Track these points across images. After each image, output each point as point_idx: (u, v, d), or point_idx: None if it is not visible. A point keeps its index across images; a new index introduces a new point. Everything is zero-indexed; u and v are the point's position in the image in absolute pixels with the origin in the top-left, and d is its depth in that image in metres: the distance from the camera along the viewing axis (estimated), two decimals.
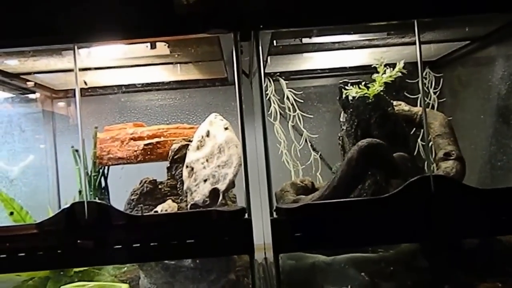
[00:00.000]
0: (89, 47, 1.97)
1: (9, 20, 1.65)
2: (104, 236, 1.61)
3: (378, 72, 2.16)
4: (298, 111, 2.69)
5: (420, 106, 2.50)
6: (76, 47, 1.70)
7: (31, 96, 2.72)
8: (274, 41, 2.14)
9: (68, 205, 1.63)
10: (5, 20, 1.64)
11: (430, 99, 2.64)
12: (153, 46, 2.05)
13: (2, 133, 2.45)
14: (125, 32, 1.67)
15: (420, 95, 2.57)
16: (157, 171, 2.39)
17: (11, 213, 2.17)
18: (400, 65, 2.10)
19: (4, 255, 1.59)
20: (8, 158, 2.49)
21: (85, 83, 2.25)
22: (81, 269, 2.21)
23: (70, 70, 2.32)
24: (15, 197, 2.26)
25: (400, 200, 1.57)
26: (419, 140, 2.57)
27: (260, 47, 1.68)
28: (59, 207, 2.73)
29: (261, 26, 1.65)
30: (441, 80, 2.64)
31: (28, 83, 2.53)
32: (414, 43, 2.16)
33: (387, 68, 2.13)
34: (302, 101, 2.68)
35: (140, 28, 1.66)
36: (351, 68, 2.65)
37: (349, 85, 2.15)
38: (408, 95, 2.55)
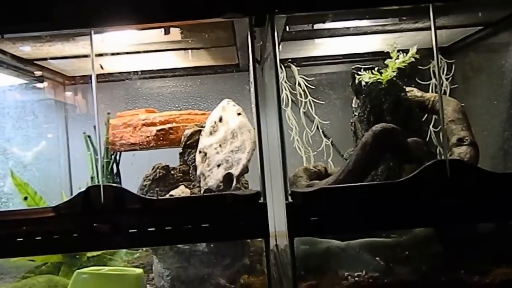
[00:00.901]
0: (103, 33, 1.96)
1: (26, 5, 1.65)
2: (119, 220, 1.62)
3: (391, 58, 2.15)
4: (309, 97, 2.68)
5: (432, 92, 2.51)
6: (92, 32, 1.70)
7: (44, 82, 2.72)
8: (287, 27, 2.13)
9: (84, 189, 1.64)
10: (23, 5, 1.64)
11: (442, 85, 2.62)
12: (167, 32, 2.05)
13: (16, 119, 2.46)
14: (141, 16, 1.66)
15: (432, 81, 2.58)
16: (168, 157, 2.40)
17: (25, 198, 2.19)
18: (413, 50, 2.09)
19: (21, 239, 1.60)
20: (22, 144, 2.50)
21: (101, 67, 2.25)
22: (94, 255, 2.23)
23: (84, 56, 2.33)
24: (28, 182, 2.28)
25: (415, 184, 1.57)
26: (431, 126, 2.56)
27: (276, 32, 1.67)
28: (71, 193, 2.75)
29: (277, 11, 1.63)
30: (453, 66, 2.62)
31: (41, 69, 2.54)
32: (427, 29, 2.19)
33: (400, 54, 2.13)
34: (313, 87, 2.67)
35: (156, 12, 1.65)
36: (363, 54, 2.63)
37: (362, 70, 2.14)
38: (420, 81, 2.54)
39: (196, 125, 2.32)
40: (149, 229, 1.61)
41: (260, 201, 1.64)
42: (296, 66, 2.70)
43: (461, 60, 2.62)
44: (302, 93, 2.69)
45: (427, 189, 1.58)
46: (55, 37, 2.00)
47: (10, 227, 1.60)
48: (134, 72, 2.69)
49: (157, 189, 2.16)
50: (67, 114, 2.90)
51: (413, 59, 2.10)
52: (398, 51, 2.13)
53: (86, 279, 1.81)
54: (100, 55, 2.29)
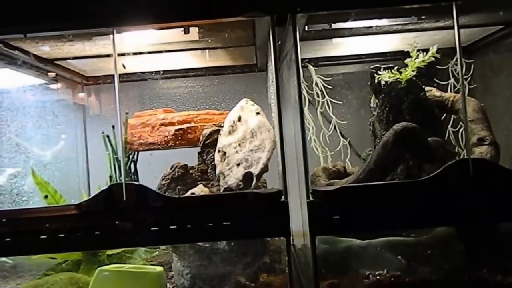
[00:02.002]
0: (123, 32, 1.97)
1: (49, 4, 1.66)
2: (141, 218, 1.63)
3: (410, 57, 2.14)
4: (327, 97, 2.68)
5: (451, 92, 2.49)
6: (114, 31, 1.71)
7: (63, 82, 2.75)
8: (306, 27, 2.13)
9: (106, 187, 1.65)
10: (46, 4, 1.66)
11: (464, 85, 2.60)
12: (186, 31, 2.06)
13: (36, 118, 2.48)
14: (163, 15, 1.68)
15: (450, 81, 2.56)
16: (185, 157, 2.41)
17: (46, 196, 2.21)
18: (433, 49, 2.08)
19: (45, 236, 1.62)
20: (41, 143, 2.53)
21: (124, 66, 2.26)
22: (113, 253, 2.25)
23: (104, 56, 2.35)
24: (48, 181, 2.30)
25: (438, 183, 1.56)
26: (449, 126, 2.54)
27: (297, 31, 1.67)
28: (89, 191, 2.77)
29: (299, 9, 1.63)
30: (472, 66, 2.61)
31: (61, 69, 2.56)
32: (447, 28, 2.18)
33: (420, 53, 2.12)
34: (331, 87, 2.67)
35: (178, 11, 1.66)
36: (381, 54, 2.63)
37: (381, 70, 2.13)
38: (438, 81, 2.53)
39: (214, 124, 2.33)
40: (171, 227, 1.62)
41: (281, 199, 1.64)
42: (313, 66, 2.70)
43: (481, 60, 2.60)
44: (319, 93, 2.69)
45: (449, 187, 1.57)
46: (76, 37, 2.02)
47: (34, 225, 1.62)
48: (152, 72, 2.71)
49: (178, 187, 2.17)
50: (86, 114, 2.92)
51: (433, 59, 2.08)
52: (418, 50, 2.12)
53: (108, 276, 1.82)
54: (121, 54, 2.30)
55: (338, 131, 2.72)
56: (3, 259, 2.25)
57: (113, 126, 2.53)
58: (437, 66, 2.57)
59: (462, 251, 1.77)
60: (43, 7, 1.66)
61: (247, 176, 1.95)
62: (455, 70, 2.64)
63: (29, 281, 2.06)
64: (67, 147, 2.75)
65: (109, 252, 2.24)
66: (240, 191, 1.92)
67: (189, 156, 2.38)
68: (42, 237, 1.61)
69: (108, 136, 2.52)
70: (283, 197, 1.64)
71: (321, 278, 1.71)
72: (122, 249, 2.25)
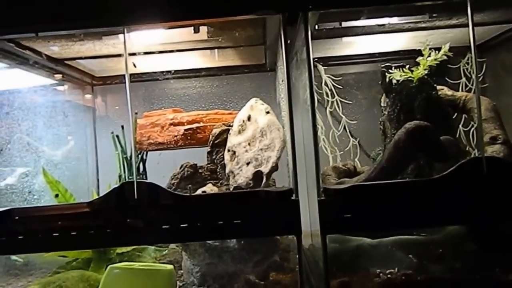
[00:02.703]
0: (135, 31, 1.98)
1: (60, 3, 1.67)
2: (152, 216, 1.63)
3: (422, 56, 2.13)
4: (336, 97, 2.67)
5: (462, 91, 2.48)
6: (125, 30, 1.72)
7: (73, 82, 2.76)
8: (316, 25, 2.13)
9: (117, 185, 1.65)
10: (57, 4, 1.67)
11: (472, 84, 2.59)
12: (196, 30, 2.06)
13: (47, 118, 2.49)
14: (173, 13, 1.68)
15: (462, 80, 2.55)
16: (194, 157, 2.41)
17: (57, 195, 2.22)
18: (445, 47, 2.06)
19: (57, 234, 1.62)
20: (52, 143, 2.54)
21: (134, 65, 2.27)
22: (123, 251, 2.25)
23: (113, 56, 2.35)
24: (59, 180, 2.31)
25: (451, 181, 1.54)
26: (460, 125, 2.52)
27: (309, 28, 1.66)
28: (98, 191, 2.78)
29: (310, 7, 1.63)
30: (484, 65, 2.59)
31: (70, 69, 2.57)
32: (459, 26, 2.16)
33: (432, 51, 2.10)
34: (340, 87, 2.66)
35: (188, 9, 1.66)
36: (391, 53, 2.61)
37: (393, 68, 2.12)
38: (449, 80, 2.52)
39: (223, 124, 2.33)
40: (181, 225, 1.62)
41: (292, 198, 1.63)
42: (323, 65, 2.70)
43: (493, 59, 2.58)
44: (329, 92, 2.69)
45: (463, 186, 1.55)
46: (86, 36, 2.03)
47: (46, 223, 1.62)
48: (161, 72, 2.71)
49: (189, 185, 2.17)
50: (95, 114, 2.93)
51: (445, 57, 2.07)
52: (430, 49, 2.10)
53: (119, 273, 1.82)
54: (131, 54, 2.31)
55: (347, 131, 2.72)
56: (14, 257, 2.26)
57: (122, 126, 2.54)
58: (449, 65, 2.56)
59: (474, 250, 1.75)
60: (54, 7, 1.66)
61: (257, 175, 1.94)
62: (467, 69, 2.62)
63: (40, 278, 2.07)
64: (77, 147, 2.77)
65: (119, 250, 2.24)
66: (251, 189, 1.91)
67: (198, 156, 2.38)
68: (54, 234, 1.62)
69: (117, 136, 2.53)
70: (293, 195, 1.63)
71: (332, 276, 1.70)
72: (132, 247, 2.25)
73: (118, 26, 1.71)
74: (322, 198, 1.61)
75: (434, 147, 1.80)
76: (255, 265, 1.93)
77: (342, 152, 2.68)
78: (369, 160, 2.59)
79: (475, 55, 1.68)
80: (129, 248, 2.27)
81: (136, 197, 1.62)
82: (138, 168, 2.54)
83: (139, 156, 2.54)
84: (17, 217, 1.61)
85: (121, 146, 2.51)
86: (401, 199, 1.57)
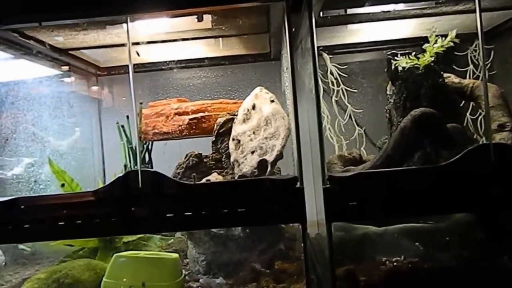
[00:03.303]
0: (137, 21, 1.97)
1: None
2: (157, 204, 1.63)
3: (428, 42, 2.10)
4: (342, 85, 2.65)
5: (470, 78, 2.45)
6: (128, 19, 1.71)
7: (78, 73, 2.76)
8: (321, 12, 2.11)
9: (122, 174, 1.65)
10: None
11: (479, 71, 2.56)
12: (200, 19, 2.05)
13: (52, 109, 2.50)
14: (177, 1, 1.67)
15: (469, 68, 2.52)
16: (199, 147, 2.41)
17: (63, 185, 2.23)
18: (452, 34, 2.04)
19: (62, 222, 1.63)
20: (58, 133, 2.55)
21: (138, 54, 2.26)
22: (129, 240, 2.26)
23: (117, 45, 2.35)
24: (65, 170, 2.31)
25: (458, 168, 1.53)
26: (468, 113, 2.50)
27: (313, 15, 1.64)
28: (104, 181, 2.79)
29: None
30: (492, 51, 2.56)
31: (75, 59, 2.57)
32: (467, 12, 2.13)
33: (438, 38, 2.08)
34: (346, 75, 2.64)
35: None
36: (397, 40, 2.58)
37: (398, 55, 2.10)
38: (456, 68, 2.49)
39: (228, 113, 2.32)
40: (186, 214, 1.61)
41: (297, 186, 1.62)
42: (328, 54, 2.67)
43: (501, 45, 2.54)
44: (334, 81, 2.67)
45: (470, 173, 1.54)
46: (90, 26, 2.02)
47: (51, 211, 1.63)
48: (166, 62, 2.71)
49: (194, 174, 2.17)
50: (100, 105, 2.93)
51: (452, 44, 2.04)
52: (436, 35, 2.07)
53: (124, 262, 1.83)
54: (134, 43, 2.30)
55: (353, 119, 2.70)
56: (22, 246, 2.28)
57: (127, 116, 2.54)
58: (456, 53, 2.53)
59: (481, 238, 1.74)
60: None
61: (262, 164, 1.94)
62: (475, 56, 2.59)
63: (47, 267, 2.08)
64: (82, 137, 2.77)
65: (125, 239, 2.25)
66: (256, 177, 1.91)
67: (204, 146, 2.38)
68: (59, 223, 1.62)
69: (122, 126, 2.53)
70: (298, 183, 1.63)
71: (337, 264, 1.70)
72: (138, 236, 2.26)
73: (121, 15, 1.70)
74: (327, 186, 1.60)
75: (440, 134, 1.78)
76: (260, 253, 1.93)
77: (348, 141, 2.67)
78: (375, 149, 2.58)
79: (482, 41, 1.65)
80: (135, 237, 2.28)
81: (140, 185, 1.62)
82: (144, 158, 2.54)
83: (145, 146, 2.54)
84: (22, 206, 1.62)
85: (126, 136, 2.51)
86: (407, 186, 1.56)
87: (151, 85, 2.84)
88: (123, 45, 2.32)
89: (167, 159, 2.50)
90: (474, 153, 1.53)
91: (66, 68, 2.61)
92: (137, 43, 2.29)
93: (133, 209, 1.62)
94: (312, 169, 1.90)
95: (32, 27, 1.96)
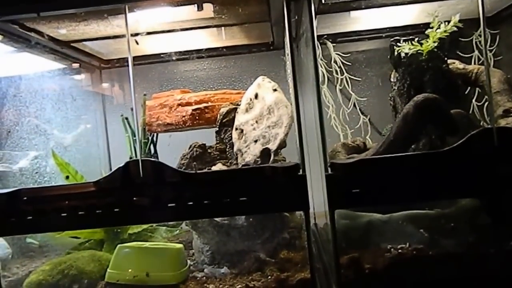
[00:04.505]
0: (137, 10, 1.96)
1: None
2: (158, 194, 1.62)
3: (431, 28, 2.08)
4: (346, 74, 2.63)
5: (475, 64, 2.41)
6: (127, 8, 1.70)
7: (81, 65, 2.76)
8: None
9: (123, 164, 1.64)
10: None
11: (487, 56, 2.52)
12: (200, 8, 2.03)
13: (55, 101, 2.50)
14: None
15: (474, 54, 2.48)
16: (205, 137, 2.40)
17: (67, 177, 2.23)
18: (455, 18, 2.01)
19: (65, 214, 1.63)
20: (62, 126, 2.55)
21: (137, 42, 2.25)
22: (134, 232, 2.27)
23: (119, 36, 2.34)
24: (69, 162, 2.32)
25: (461, 153, 1.51)
26: (474, 100, 2.47)
27: (313, 2, 1.62)
28: None
29: None
30: (497, 36, 2.52)
31: (77, 52, 2.57)
32: None
33: (441, 23, 2.05)
34: (350, 63, 2.62)
35: None
36: (400, 27, 2.55)
37: (401, 41, 2.07)
38: (461, 54, 2.45)
39: (231, 103, 2.31)
40: (188, 203, 1.61)
41: (299, 173, 1.61)
42: (331, 42, 2.65)
43: (506, 30, 2.50)
44: (338, 70, 2.64)
45: (474, 158, 1.51)
46: (90, 16, 2.01)
47: (53, 202, 1.63)
48: (168, 53, 2.70)
49: (194, 163, 2.16)
50: (104, 97, 2.93)
51: (455, 29, 2.01)
52: (440, 21, 2.04)
53: (128, 252, 1.84)
54: (135, 34, 2.29)
55: (357, 108, 2.68)
56: (30, 240, 2.29)
57: (131, 109, 2.53)
58: (461, 39, 2.49)
59: (487, 223, 1.72)
60: None
61: (265, 152, 1.93)
62: (480, 42, 2.55)
63: (53, 259, 2.09)
64: (87, 129, 2.77)
65: (131, 231, 2.26)
66: (257, 165, 1.90)
67: (209, 136, 2.37)
68: (62, 214, 1.62)
69: (127, 118, 2.53)
70: (300, 170, 1.61)
71: (342, 252, 1.69)
72: (143, 227, 2.26)
73: (119, 3, 1.69)
74: (330, 173, 1.59)
75: (444, 120, 1.76)
76: (264, 242, 1.93)
77: (352, 130, 2.65)
78: (380, 138, 2.56)
79: (483, 25, 1.62)
80: (140, 229, 2.28)
81: (141, 175, 1.62)
82: (149, 150, 2.54)
83: (150, 138, 2.54)
84: (25, 198, 1.62)
85: (131, 128, 2.51)
86: (411, 172, 1.54)
87: (156, 77, 2.84)
88: (123, 36, 2.31)
89: (173, 151, 2.50)
90: (477, 137, 1.51)
91: (69, 61, 2.62)
92: (137, 34, 2.28)
93: (134, 199, 1.62)
94: (319, 157, 1.89)
95: (32, 19, 1.94)
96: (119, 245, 1.85)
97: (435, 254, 1.67)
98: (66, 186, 1.83)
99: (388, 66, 2.29)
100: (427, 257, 1.66)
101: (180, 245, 1.90)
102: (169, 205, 1.61)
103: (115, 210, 1.62)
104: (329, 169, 1.60)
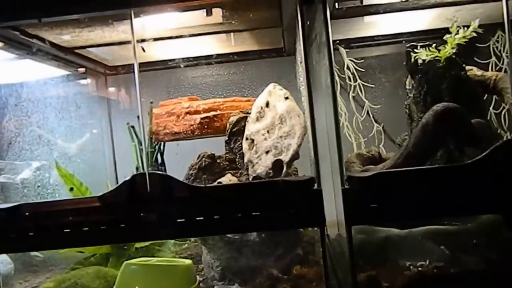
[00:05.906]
0: (143, 16, 1.89)
1: None
2: (166, 209, 1.55)
3: (449, 33, 2.00)
4: (359, 81, 2.55)
5: (492, 71, 2.33)
6: (132, 13, 1.63)
7: (86, 72, 2.71)
8: (336, 4, 2.02)
9: (129, 177, 1.57)
10: None
11: (502, 63, 2.44)
12: (209, 13, 1.97)
13: (59, 110, 2.44)
14: None
15: (492, 60, 2.40)
16: (214, 147, 2.33)
17: (71, 189, 2.17)
18: (475, 24, 1.93)
19: (68, 230, 1.56)
20: (65, 135, 2.49)
21: (143, 49, 2.19)
22: (142, 246, 2.20)
23: (124, 43, 2.28)
24: (73, 173, 2.26)
25: (484, 166, 1.42)
26: (491, 108, 2.38)
27: (328, 7, 1.55)
28: (117, 183, 2.73)
29: None
30: None
31: (82, 58, 2.51)
32: (489, 0, 2.02)
33: (460, 28, 1.97)
34: (363, 70, 2.54)
35: None
36: (416, 32, 2.47)
37: (418, 48, 2.00)
38: (478, 60, 2.37)
39: (241, 111, 2.24)
40: (197, 219, 1.53)
41: (314, 187, 1.53)
42: (344, 48, 2.58)
43: None
44: (351, 76, 2.57)
45: (497, 171, 1.43)
46: (94, 22, 1.95)
47: (55, 218, 1.56)
48: (176, 60, 2.64)
49: (204, 176, 2.09)
50: (110, 105, 2.87)
51: (474, 34, 1.93)
52: (458, 26, 1.97)
53: (135, 270, 1.76)
54: (141, 40, 2.23)
55: (371, 116, 2.60)
56: (34, 253, 2.23)
57: (138, 117, 2.47)
58: (477, 44, 2.41)
59: (510, 239, 1.63)
60: None
61: (277, 164, 1.85)
62: (497, 47, 2.47)
63: (57, 275, 2.02)
64: (92, 139, 2.71)
65: (138, 245, 2.19)
66: (269, 179, 1.82)
67: (218, 145, 2.30)
68: (64, 230, 1.55)
69: (133, 127, 2.46)
70: (315, 185, 1.54)
71: (359, 269, 1.61)
72: (150, 242, 2.20)
73: (124, 8, 1.62)
74: (347, 187, 1.51)
75: (465, 130, 1.67)
76: (277, 259, 1.85)
77: (366, 139, 2.57)
78: (394, 146, 2.48)
79: (509, 30, 1.54)
80: (147, 243, 2.21)
81: (148, 189, 1.54)
82: (156, 159, 2.47)
83: (157, 147, 2.47)
84: (26, 213, 1.55)
85: (137, 137, 2.45)
86: (431, 186, 1.46)
87: (163, 84, 2.78)
88: (129, 42, 2.25)
89: (181, 160, 2.43)
90: (500, 150, 1.43)
91: (74, 68, 2.56)
92: (142, 40, 2.22)
93: (141, 214, 1.55)
94: (331, 167, 1.82)
95: (34, 25, 1.88)
96: (125, 262, 1.78)
97: (457, 272, 1.58)
98: (69, 201, 1.76)
99: (402, 72, 2.21)
100: (449, 276, 1.57)
101: (189, 261, 1.83)
102: (177, 220, 1.54)
103: (121, 226, 1.55)
104: (345, 183, 1.52)
